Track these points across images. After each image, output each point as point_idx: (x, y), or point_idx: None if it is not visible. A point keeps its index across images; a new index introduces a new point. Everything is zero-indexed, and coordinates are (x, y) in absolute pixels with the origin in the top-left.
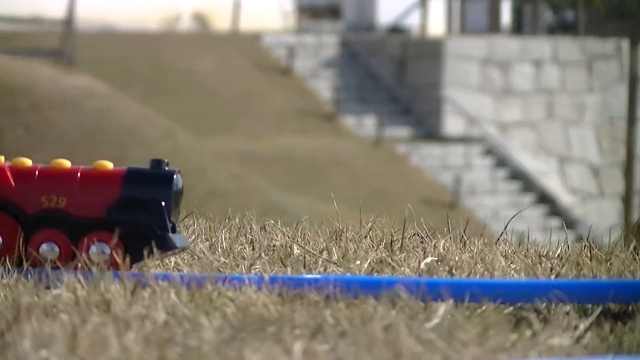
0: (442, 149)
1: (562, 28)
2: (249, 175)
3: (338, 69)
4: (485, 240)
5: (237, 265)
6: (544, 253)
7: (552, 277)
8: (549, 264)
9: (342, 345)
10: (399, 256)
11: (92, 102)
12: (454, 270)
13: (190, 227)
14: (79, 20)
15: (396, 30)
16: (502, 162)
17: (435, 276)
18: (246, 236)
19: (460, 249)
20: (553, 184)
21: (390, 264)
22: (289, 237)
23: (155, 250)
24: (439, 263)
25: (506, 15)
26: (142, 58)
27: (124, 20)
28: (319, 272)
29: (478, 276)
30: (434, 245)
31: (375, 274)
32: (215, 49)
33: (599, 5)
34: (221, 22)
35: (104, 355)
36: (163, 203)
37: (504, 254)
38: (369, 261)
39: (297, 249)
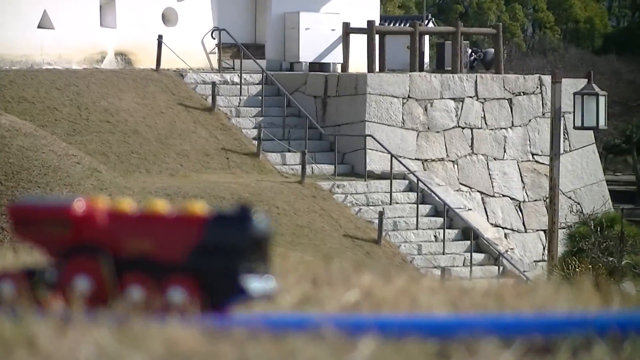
0: (365, 185)
1: (483, 64)
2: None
3: (261, 106)
4: (410, 276)
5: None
6: (468, 287)
7: (476, 311)
8: (473, 299)
9: None
10: (324, 291)
11: (16, 141)
12: (379, 305)
13: None
14: (3, 60)
15: (319, 68)
16: (425, 198)
17: (361, 311)
18: None
19: (385, 284)
20: (476, 219)
21: (316, 299)
22: None
23: (231, 295)
24: (365, 298)
25: (427, 53)
26: (66, 97)
27: (48, 60)
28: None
29: (403, 311)
30: (359, 280)
31: (302, 308)
32: (139, 87)
33: (520, 42)
34: (145, 61)
35: None
36: (239, 248)
37: (428, 288)
38: (295, 296)
39: None
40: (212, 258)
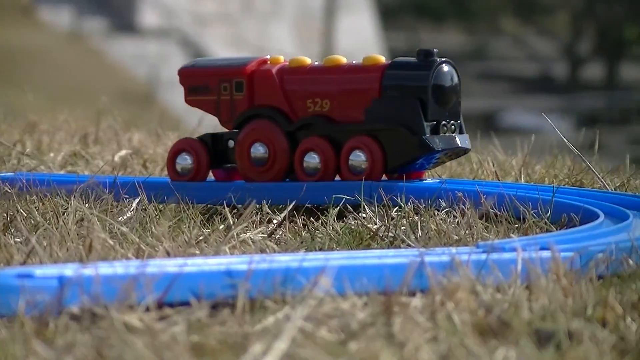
0: (138, 41)
1: None
2: None
3: None
4: (180, 134)
5: None
6: None
7: None
8: None
9: (35, 239)
10: (93, 149)
11: None
12: (148, 164)
13: None
14: None
15: None
16: (198, 55)
17: (129, 169)
18: None
19: (155, 143)
20: None
21: (84, 156)
22: None
23: (413, 154)
24: (133, 156)
25: None
26: None
27: None
28: (13, 165)
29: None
30: (129, 138)
31: (70, 166)
32: None
33: None
34: None
35: None
36: (419, 100)
37: None
38: (62, 154)
39: None
40: (388, 114)
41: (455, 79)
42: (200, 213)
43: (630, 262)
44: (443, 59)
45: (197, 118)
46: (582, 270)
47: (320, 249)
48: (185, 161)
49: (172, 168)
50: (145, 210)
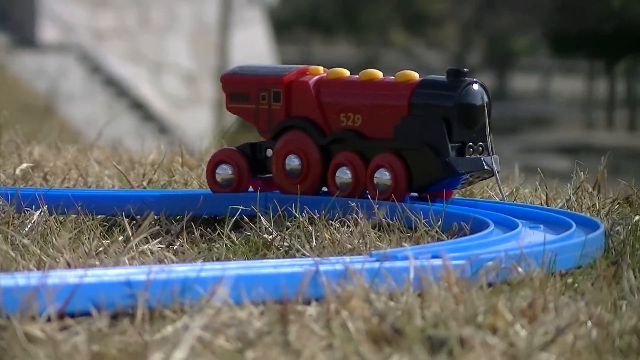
0: (38, 56)
1: None
2: None
3: None
4: (80, 147)
5: None
6: (137, 159)
7: (145, 183)
8: (142, 170)
9: None
10: None
11: None
12: (48, 176)
13: None
14: None
15: None
16: (97, 69)
17: (30, 182)
18: None
19: (55, 156)
20: (147, 91)
21: None
22: None
23: (436, 175)
24: (34, 169)
25: None
26: None
27: None
28: None
29: (72, 182)
30: (30, 151)
31: None
32: None
33: None
34: None
35: None
36: (444, 121)
37: (98, 160)
38: None
39: None
40: (414, 133)
41: (485, 100)
42: (99, 224)
43: (520, 269)
44: (472, 79)
45: (95, 131)
46: (473, 278)
47: (218, 259)
48: (225, 172)
49: (213, 180)
50: (47, 222)
